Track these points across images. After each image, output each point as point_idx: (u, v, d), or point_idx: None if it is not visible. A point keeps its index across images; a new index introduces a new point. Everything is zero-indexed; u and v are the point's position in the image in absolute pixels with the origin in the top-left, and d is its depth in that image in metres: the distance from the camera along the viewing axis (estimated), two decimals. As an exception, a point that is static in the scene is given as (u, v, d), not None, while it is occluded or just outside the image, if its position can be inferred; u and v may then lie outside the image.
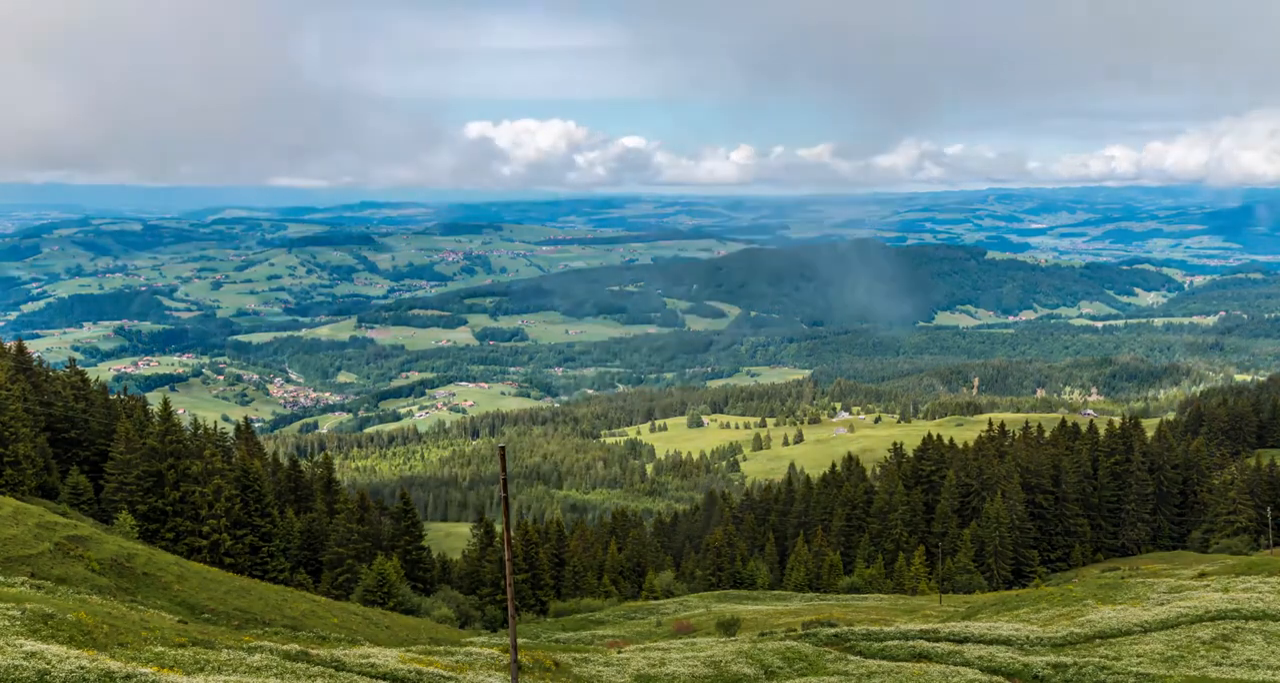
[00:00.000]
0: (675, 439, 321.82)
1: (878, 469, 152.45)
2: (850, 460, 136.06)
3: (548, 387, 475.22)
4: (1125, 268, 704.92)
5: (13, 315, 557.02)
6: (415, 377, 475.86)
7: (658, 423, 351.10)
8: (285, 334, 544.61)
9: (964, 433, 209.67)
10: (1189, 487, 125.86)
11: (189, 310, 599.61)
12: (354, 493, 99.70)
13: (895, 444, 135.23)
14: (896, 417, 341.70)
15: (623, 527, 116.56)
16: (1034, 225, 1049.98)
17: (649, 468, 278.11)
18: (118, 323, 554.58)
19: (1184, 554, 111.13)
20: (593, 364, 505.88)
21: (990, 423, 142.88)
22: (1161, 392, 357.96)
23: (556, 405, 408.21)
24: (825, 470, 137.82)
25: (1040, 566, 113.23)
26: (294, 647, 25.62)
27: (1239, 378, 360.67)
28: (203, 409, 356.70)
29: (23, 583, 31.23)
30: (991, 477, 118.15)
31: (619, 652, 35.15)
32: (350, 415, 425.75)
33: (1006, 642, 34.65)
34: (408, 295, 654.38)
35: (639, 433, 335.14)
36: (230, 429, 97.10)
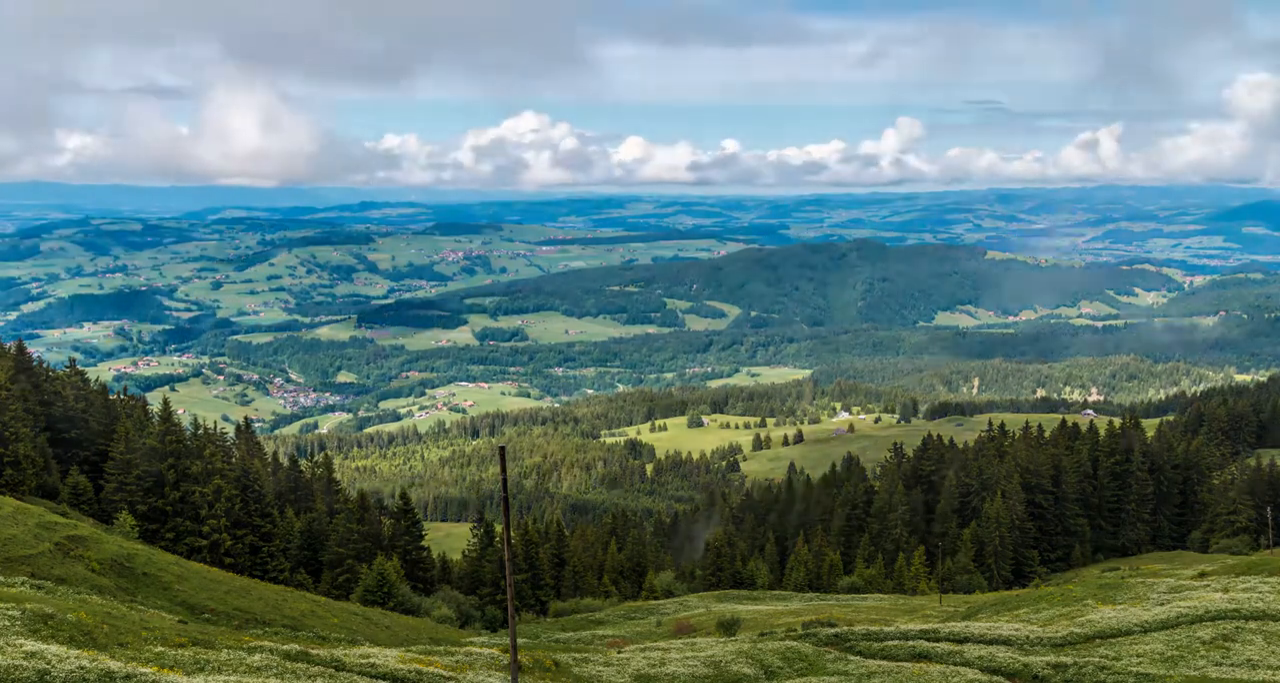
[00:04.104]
0: (675, 439, 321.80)
1: (878, 469, 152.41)
2: (850, 460, 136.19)
3: (548, 387, 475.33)
4: (1125, 268, 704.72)
5: (13, 315, 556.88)
6: (415, 377, 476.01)
7: (658, 423, 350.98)
8: (285, 334, 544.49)
9: (964, 433, 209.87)
10: (1189, 487, 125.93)
11: (189, 310, 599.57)
12: (354, 493, 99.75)
13: (895, 444, 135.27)
14: (896, 417, 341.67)
15: (623, 527, 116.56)
16: (1034, 225, 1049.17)
17: (649, 468, 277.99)
18: (118, 323, 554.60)
19: (1184, 554, 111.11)
20: (593, 364, 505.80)
21: (990, 423, 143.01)
22: (1162, 392, 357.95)
23: (556, 405, 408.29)
24: (825, 470, 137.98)
25: (1040, 566, 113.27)
26: (294, 647, 25.61)
27: (1239, 378, 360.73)
28: (203, 409, 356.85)
29: (23, 583, 31.22)
30: (991, 477, 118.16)
31: (619, 652, 35.13)
32: (350, 415, 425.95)
33: (1006, 642, 34.65)
34: (408, 295, 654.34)
35: (639, 433, 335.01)
36: (230, 429, 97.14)
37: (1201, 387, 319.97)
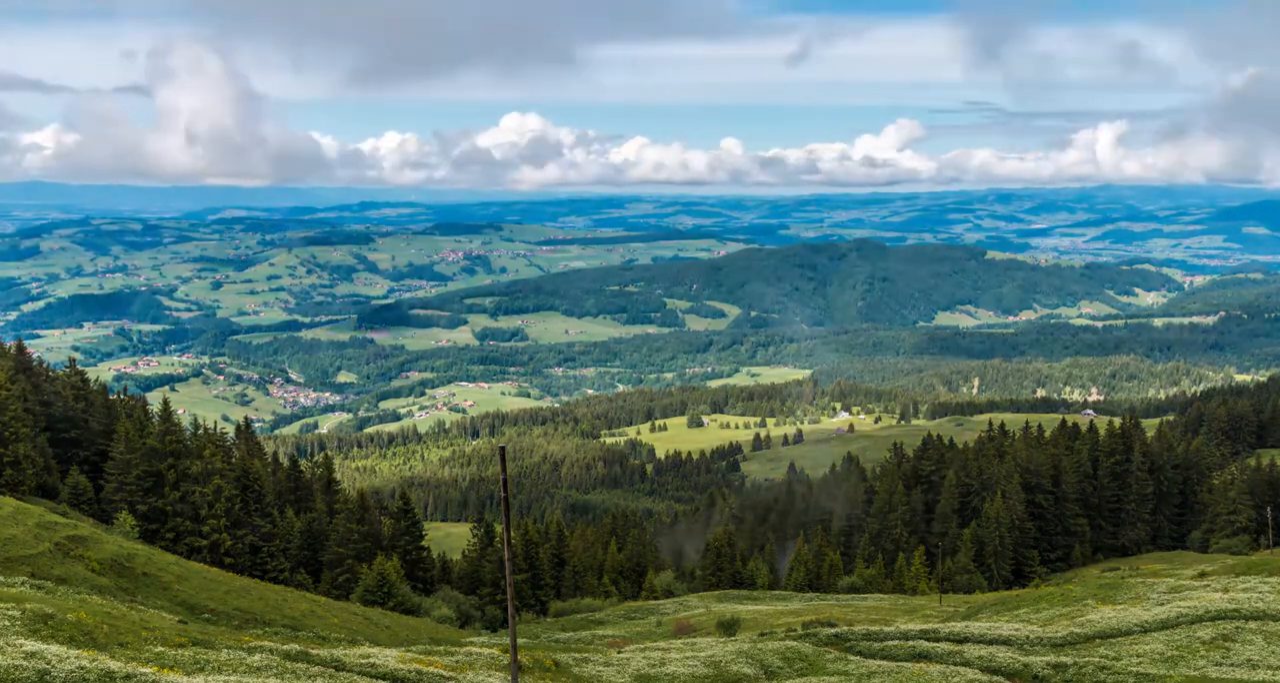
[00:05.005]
0: (675, 439, 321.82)
1: (878, 469, 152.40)
2: (850, 460, 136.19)
3: (548, 387, 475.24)
4: (1125, 268, 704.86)
5: (13, 315, 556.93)
6: (415, 377, 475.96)
7: (658, 423, 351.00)
8: (285, 334, 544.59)
9: (964, 433, 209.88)
10: (1189, 487, 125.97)
11: (189, 310, 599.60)
12: (354, 493, 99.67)
13: (895, 444, 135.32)
14: (896, 417, 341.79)
15: (623, 527, 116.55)
16: (1034, 225, 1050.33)
17: (649, 468, 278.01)
18: (118, 323, 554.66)
19: (1184, 554, 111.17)
20: (593, 364, 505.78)
21: (990, 423, 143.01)
22: (1162, 392, 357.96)
23: (556, 405, 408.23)
24: (825, 471, 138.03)
25: (1040, 566, 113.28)
26: (294, 647, 25.61)
27: (1239, 378, 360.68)
28: (203, 409, 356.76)
29: (23, 583, 31.21)
30: (991, 477, 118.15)
31: (619, 652, 35.13)
32: (350, 415, 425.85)
33: (1006, 642, 34.65)
34: (408, 295, 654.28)
35: (639, 433, 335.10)
36: (230, 429, 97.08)
37: (1201, 387, 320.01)
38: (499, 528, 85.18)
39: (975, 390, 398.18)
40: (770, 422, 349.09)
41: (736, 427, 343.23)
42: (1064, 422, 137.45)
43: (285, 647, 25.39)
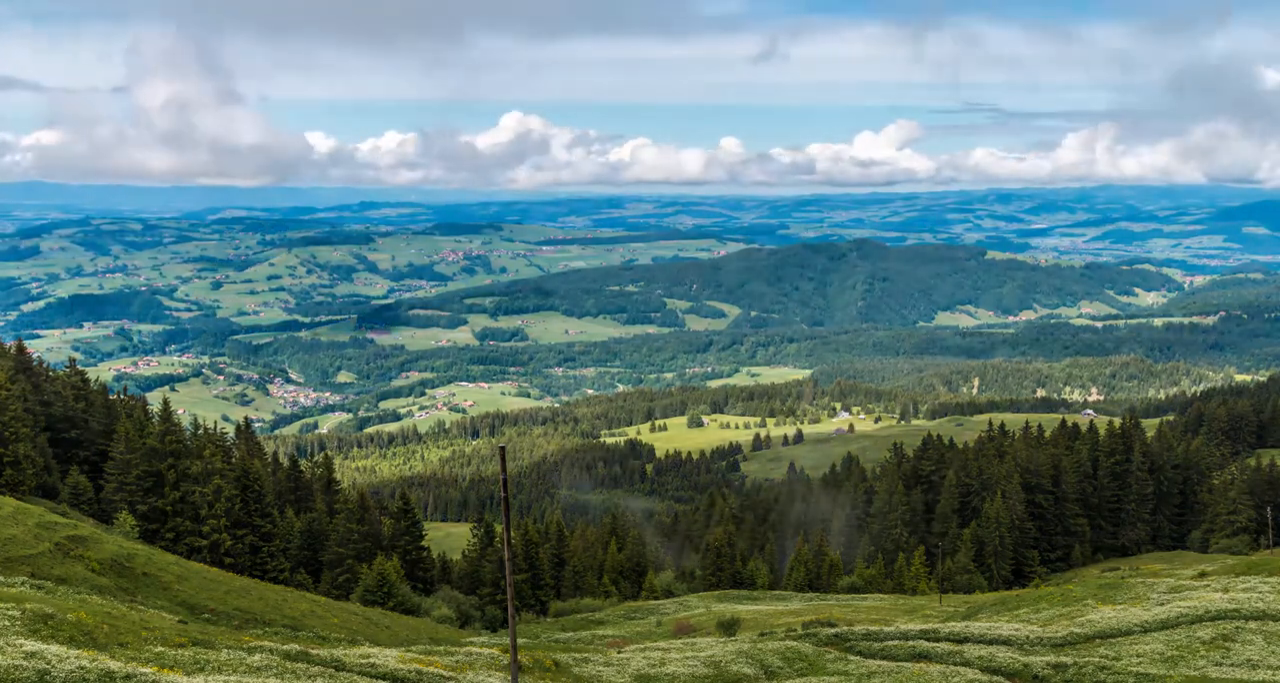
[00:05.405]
0: (675, 439, 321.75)
1: (878, 469, 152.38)
2: (850, 460, 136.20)
3: (548, 387, 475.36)
4: (1125, 268, 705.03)
5: (13, 315, 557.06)
6: (415, 377, 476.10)
7: (658, 423, 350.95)
8: (285, 334, 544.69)
9: (964, 433, 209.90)
10: (1189, 487, 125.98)
11: (189, 310, 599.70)
12: (354, 493, 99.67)
13: (895, 444, 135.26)
14: (896, 417, 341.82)
15: (623, 527, 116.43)
16: (1034, 225, 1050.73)
17: (649, 468, 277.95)
18: (118, 323, 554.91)
19: (1184, 554, 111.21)
20: (593, 364, 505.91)
21: (990, 423, 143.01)
22: (1162, 392, 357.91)
23: (556, 405, 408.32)
24: (825, 471, 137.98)
25: (1040, 566, 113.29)
26: (294, 647, 25.61)
27: (1239, 378, 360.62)
28: (203, 409, 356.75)
29: (23, 583, 31.20)
30: (991, 477, 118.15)
31: (619, 652, 35.12)
32: (350, 415, 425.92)
33: (1006, 642, 34.65)
34: (408, 295, 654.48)
35: (639, 433, 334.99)
36: (230, 429, 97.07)
37: (1201, 387, 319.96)
38: (499, 528, 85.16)
39: (975, 390, 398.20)
40: (770, 422, 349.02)
41: (736, 427, 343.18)
42: (1064, 422, 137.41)
43: (285, 647, 25.39)
